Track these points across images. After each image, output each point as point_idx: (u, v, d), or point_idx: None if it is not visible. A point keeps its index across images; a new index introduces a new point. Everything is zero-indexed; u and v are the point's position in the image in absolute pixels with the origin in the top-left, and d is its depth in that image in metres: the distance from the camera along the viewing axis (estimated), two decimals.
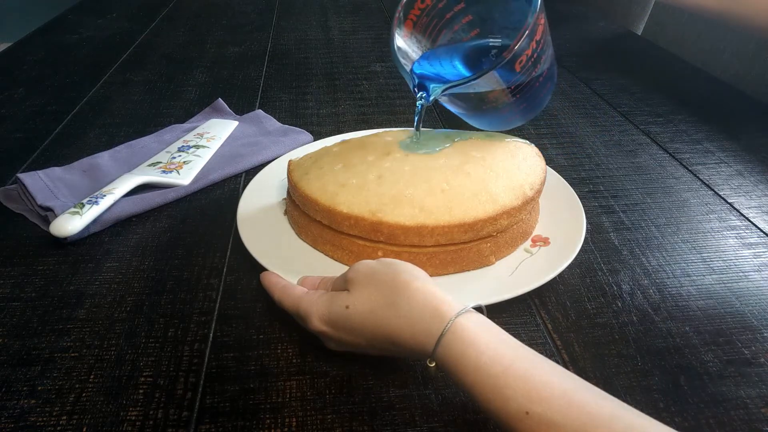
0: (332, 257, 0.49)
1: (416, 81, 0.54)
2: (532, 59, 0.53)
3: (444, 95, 0.53)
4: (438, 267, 0.47)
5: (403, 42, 0.56)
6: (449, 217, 0.46)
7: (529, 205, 0.50)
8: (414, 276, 0.37)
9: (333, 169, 0.50)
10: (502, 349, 0.32)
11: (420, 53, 0.58)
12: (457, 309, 0.35)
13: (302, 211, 0.51)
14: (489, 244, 0.48)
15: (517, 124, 0.70)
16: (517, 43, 0.49)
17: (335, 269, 0.48)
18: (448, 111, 0.80)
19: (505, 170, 0.50)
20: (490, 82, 0.55)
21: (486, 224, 0.47)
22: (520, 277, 0.47)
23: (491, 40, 0.60)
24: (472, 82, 0.50)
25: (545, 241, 0.51)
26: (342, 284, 0.40)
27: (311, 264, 0.49)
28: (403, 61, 0.54)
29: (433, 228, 0.46)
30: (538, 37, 0.53)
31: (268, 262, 0.47)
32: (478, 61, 0.59)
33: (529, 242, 0.51)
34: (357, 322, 0.37)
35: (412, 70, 0.55)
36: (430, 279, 0.38)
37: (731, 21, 0.62)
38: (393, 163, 0.50)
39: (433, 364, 0.35)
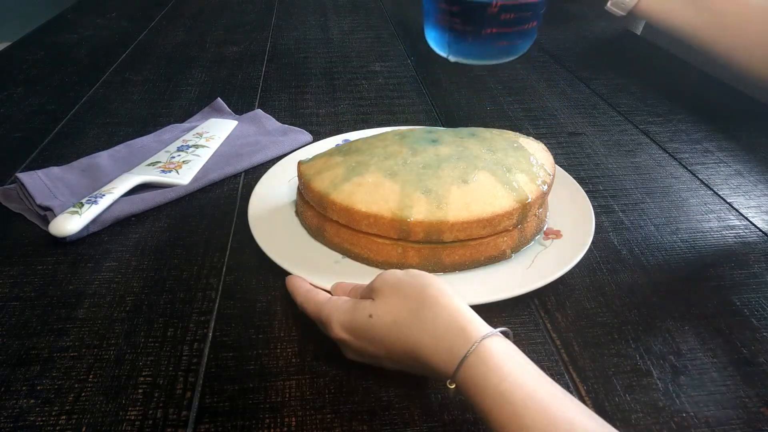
0: (350, 256, 0.49)
1: None
2: None
3: None
4: (456, 261, 0.48)
5: None
6: (468, 213, 0.46)
7: (543, 198, 0.50)
8: (442, 291, 0.36)
9: (346, 167, 0.50)
10: (524, 378, 0.31)
11: None
12: (483, 331, 0.34)
13: (317, 211, 0.50)
14: (506, 239, 0.49)
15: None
16: None
17: (352, 269, 0.48)
18: (447, 113, 0.80)
19: (517, 165, 0.51)
20: None
21: (503, 219, 0.47)
22: (536, 270, 0.48)
23: None
24: None
25: (557, 234, 0.51)
26: (367, 293, 0.39)
27: (329, 265, 0.49)
28: None
29: (452, 224, 0.46)
30: None
31: (289, 265, 0.47)
32: None
33: (542, 235, 0.52)
34: (379, 333, 0.36)
35: None
36: (458, 295, 0.37)
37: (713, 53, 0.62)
38: (407, 160, 0.50)
39: (453, 386, 0.33)
